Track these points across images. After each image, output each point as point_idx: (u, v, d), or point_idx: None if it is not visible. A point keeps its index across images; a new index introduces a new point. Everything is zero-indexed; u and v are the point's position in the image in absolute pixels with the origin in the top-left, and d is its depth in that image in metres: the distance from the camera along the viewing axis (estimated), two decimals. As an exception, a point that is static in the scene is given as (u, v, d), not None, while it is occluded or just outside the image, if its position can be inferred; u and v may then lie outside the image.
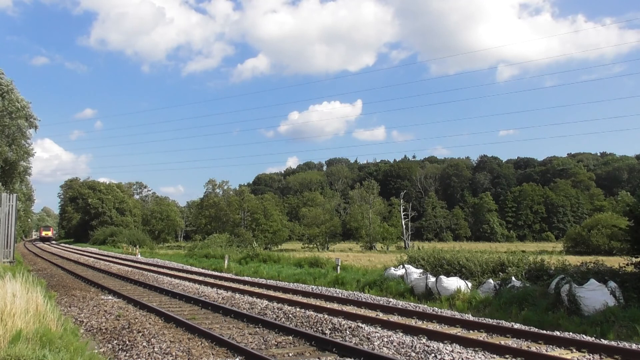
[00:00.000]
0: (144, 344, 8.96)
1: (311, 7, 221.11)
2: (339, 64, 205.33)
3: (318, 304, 13.85)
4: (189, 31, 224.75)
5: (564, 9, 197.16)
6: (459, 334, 9.83)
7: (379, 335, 9.43)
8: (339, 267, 22.26)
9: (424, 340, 9.18)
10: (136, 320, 11.35)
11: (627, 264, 13.30)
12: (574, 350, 8.72)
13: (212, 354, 8.21)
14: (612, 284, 11.91)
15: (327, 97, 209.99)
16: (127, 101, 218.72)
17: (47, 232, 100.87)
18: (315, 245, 69.03)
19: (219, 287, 18.30)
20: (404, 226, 67.99)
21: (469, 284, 15.07)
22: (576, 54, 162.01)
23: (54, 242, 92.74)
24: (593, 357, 8.31)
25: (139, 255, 43.26)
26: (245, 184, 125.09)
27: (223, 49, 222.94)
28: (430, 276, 15.84)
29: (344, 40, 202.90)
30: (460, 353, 8.16)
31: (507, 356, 8.15)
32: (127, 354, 8.34)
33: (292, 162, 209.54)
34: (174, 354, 8.21)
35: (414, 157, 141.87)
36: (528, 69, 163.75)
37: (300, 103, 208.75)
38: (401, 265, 18.41)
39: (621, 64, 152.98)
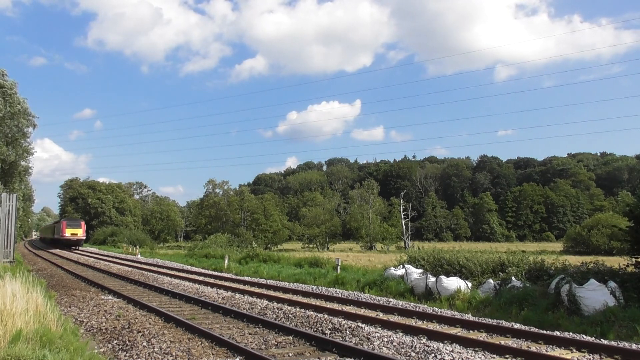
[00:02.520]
0: (144, 344, 8.96)
1: (308, 8, 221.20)
2: (336, 65, 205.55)
3: (318, 304, 13.85)
4: (187, 31, 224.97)
5: (560, 9, 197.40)
6: (459, 334, 9.83)
7: (379, 335, 9.43)
8: (339, 267, 22.26)
9: (424, 340, 9.18)
10: (136, 320, 11.35)
11: (627, 264, 13.30)
12: (574, 350, 8.72)
13: (212, 354, 8.21)
14: (612, 284, 11.91)
15: (325, 97, 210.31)
16: (127, 101, 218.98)
17: (74, 231, 54.88)
18: (315, 245, 69.05)
19: (219, 287, 18.30)
20: (404, 226, 68.00)
21: (469, 284, 15.07)
22: (573, 54, 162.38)
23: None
24: (593, 357, 8.31)
25: (139, 255, 43.25)
26: (245, 184, 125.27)
27: (221, 50, 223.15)
28: (430, 276, 15.84)
29: (341, 41, 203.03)
30: (460, 353, 8.16)
31: (507, 356, 8.15)
32: (127, 354, 8.34)
33: (291, 162, 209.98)
34: (174, 354, 8.21)
35: (414, 157, 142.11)
36: (526, 69, 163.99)
37: (299, 103, 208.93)
38: (401, 265, 18.42)
39: (620, 64, 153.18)
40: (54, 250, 50.68)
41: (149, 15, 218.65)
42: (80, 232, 55.62)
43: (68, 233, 54.53)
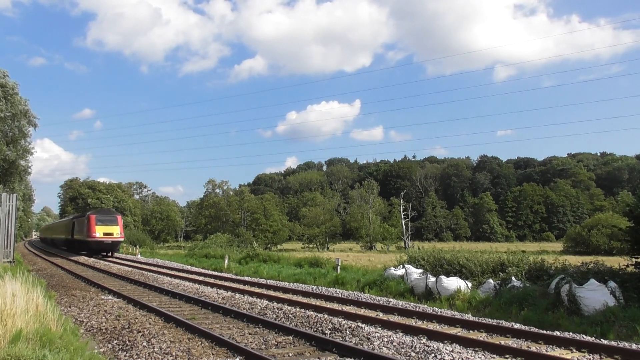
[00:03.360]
0: (144, 344, 8.96)
1: (307, 8, 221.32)
2: (335, 65, 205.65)
3: (318, 304, 13.84)
4: (187, 32, 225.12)
5: (559, 9, 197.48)
6: (459, 334, 9.83)
7: (379, 335, 9.43)
8: (339, 267, 22.26)
9: (424, 340, 9.17)
10: (136, 320, 11.35)
11: (627, 265, 13.30)
12: (574, 350, 8.72)
13: (212, 354, 8.21)
14: (612, 284, 11.92)
15: (325, 97, 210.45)
16: (126, 101, 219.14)
17: (109, 229, 37.61)
18: (315, 245, 69.06)
19: (219, 287, 18.29)
20: (404, 226, 67.99)
21: (469, 284, 15.07)
22: (572, 55, 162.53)
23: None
24: (593, 357, 8.31)
25: (139, 255, 43.22)
26: (245, 184, 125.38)
27: (220, 50, 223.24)
28: (430, 276, 15.84)
29: (340, 41, 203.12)
30: (460, 353, 8.15)
31: (507, 356, 8.15)
32: (127, 354, 8.34)
33: (291, 162, 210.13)
34: (174, 354, 8.21)
35: (414, 157, 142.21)
36: (525, 69, 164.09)
37: (298, 103, 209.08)
38: (401, 265, 18.42)
39: (619, 64, 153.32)
40: (53, 250, 50.24)
41: (148, 15, 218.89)
42: (117, 231, 37.73)
43: (99, 232, 36.67)
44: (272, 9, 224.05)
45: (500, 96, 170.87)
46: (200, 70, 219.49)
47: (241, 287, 18.30)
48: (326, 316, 11.54)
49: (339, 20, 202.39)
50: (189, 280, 20.98)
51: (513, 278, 14.41)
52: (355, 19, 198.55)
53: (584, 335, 9.86)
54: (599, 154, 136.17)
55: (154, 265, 30.31)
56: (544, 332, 10.05)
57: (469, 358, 7.93)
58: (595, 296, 11.47)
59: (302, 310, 12.65)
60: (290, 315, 11.83)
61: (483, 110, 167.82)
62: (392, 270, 18.13)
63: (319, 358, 8.15)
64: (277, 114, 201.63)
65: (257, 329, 10.46)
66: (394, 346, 8.72)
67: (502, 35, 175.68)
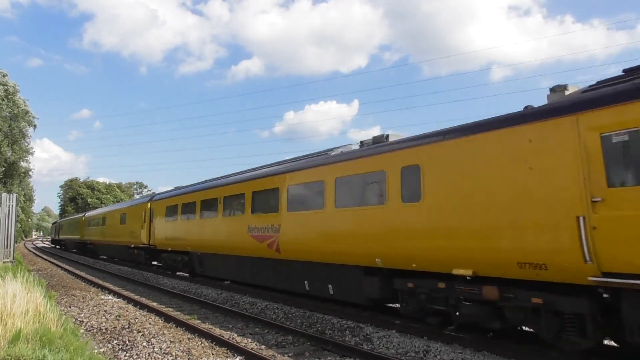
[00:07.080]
0: (144, 344, 8.96)
1: (302, 9, 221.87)
2: (331, 66, 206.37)
3: (318, 303, 13.82)
4: (185, 33, 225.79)
5: (553, 10, 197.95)
6: (459, 333, 9.81)
7: (379, 335, 9.43)
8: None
9: (424, 340, 9.16)
10: (136, 320, 11.35)
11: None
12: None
13: (212, 354, 8.21)
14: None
15: (322, 98, 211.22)
16: (125, 102, 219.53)
17: None
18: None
19: (216, 287, 18.28)
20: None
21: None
22: (566, 55, 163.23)
23: None
24: (590, 357, 8.29)
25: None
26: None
27: (217, 51, 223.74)
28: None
29: (335, 42, 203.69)
30: (460, 353, 8.14)
31: (508, 355, 8.14)
32: (127, 354, 8.34)
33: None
34: (174, 354, 8.21)
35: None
36: (520, 70, 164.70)
37: (295, 104, 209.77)
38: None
39: (615, 65, 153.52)
40: (52, 250, 49.99)
41: (147, 17, 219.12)
42: None
43: None
44: (268, 9, 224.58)
45: (497, 97, 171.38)
46: (198, 71, 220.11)
47: (241, 287, 18.26)
48: (326, 316, 11.54)
49: (333, 21, 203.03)
50: (189, 280, 20.97)
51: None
52: (349, 20, 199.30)
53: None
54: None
55: (154, 266, 30.25)
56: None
57: (469, 358, 7.92)
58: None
59: (302, 310, 12.65)
60: (290, 315, 11.83)
61: (480, 110, 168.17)
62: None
63: (319, 358, 8.15)
64: (275, 115, 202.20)
65: (257, 329, 10.46)
66: (394, 346, 8.71)
67: (497, 36, 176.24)
